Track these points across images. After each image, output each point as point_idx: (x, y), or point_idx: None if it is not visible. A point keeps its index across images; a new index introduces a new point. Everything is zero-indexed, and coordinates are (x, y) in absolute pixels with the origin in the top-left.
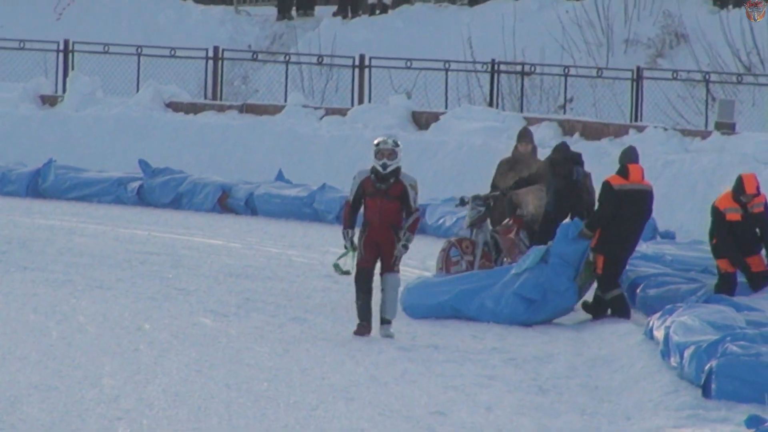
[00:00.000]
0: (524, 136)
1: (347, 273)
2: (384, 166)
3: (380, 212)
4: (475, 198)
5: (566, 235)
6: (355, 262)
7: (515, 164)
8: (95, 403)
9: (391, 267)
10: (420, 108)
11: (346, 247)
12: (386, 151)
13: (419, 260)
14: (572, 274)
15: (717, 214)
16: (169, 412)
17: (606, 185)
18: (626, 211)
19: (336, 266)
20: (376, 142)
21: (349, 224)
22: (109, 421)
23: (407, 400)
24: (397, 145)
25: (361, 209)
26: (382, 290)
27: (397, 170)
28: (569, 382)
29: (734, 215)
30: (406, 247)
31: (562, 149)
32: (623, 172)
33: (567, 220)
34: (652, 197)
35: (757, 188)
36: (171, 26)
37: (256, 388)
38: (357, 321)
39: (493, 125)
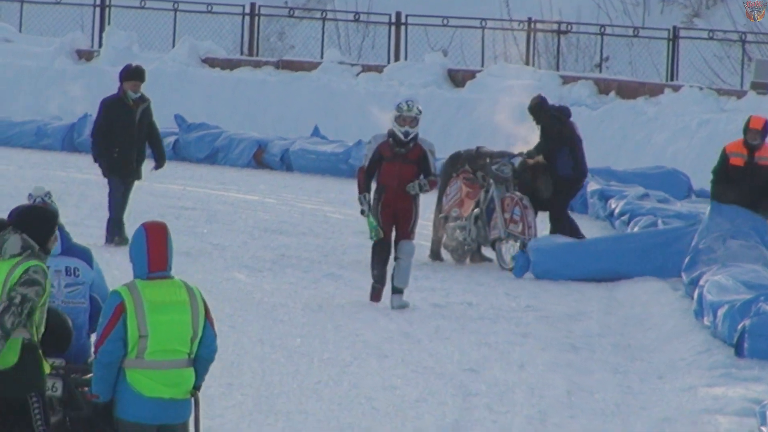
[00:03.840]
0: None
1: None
2: (406, 134)
3: (399, 177)
4: (504, 155)
5: None
6: (375, 226)
7: None
8: None
9: (407, 234)
10: (456, 66)
11: (362, 212)
12: (409, 119)
13: None
14: None
15: (722, 155)
16: None
17: None
18: None
19: (374, 230)
20: (399, 107)
21: (365, 188)
22: None
23: (440, 357)
24: (420, 112)
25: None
26: (397, 258)
27: (416, 135)
28: (602, 340)
29: (737, 160)
30: (422, 188)
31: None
32: None
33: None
34: None
35: (765, 127)
36: None
37: (289, 344)
38: (371, 286)
39: (529, 83)
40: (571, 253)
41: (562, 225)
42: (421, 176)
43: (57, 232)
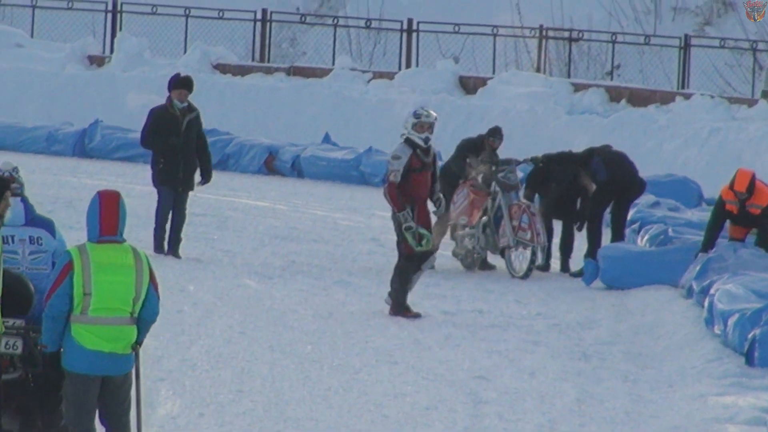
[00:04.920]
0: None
1: (428, 243)
2: (426, 140)
3: (425, 187)
4: (510, 162)
5: None
6: (416, 241)
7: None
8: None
9: None
10: (467, 73)
11: (409, 228)
12: (428, 125)
13: None
14: None
15: (719, 200)
16: (212, 374)
17: None
18: None
19: (419, 240)
20: (417, 113)
21: (403, 204)
22: (152, 382)
23: (450, 364)
24: (436, 118)
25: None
26: (422, 271)
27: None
28: (612, 348)
29: (732, 207)
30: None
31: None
32: None
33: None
34: None
35: (748, 188)
36: None
37: (299, 350)
38: (399, 305)
39: (540, 91)
40: (642, 261)
41: (592, 227)
42: (436, 197)
43: (11, 201)
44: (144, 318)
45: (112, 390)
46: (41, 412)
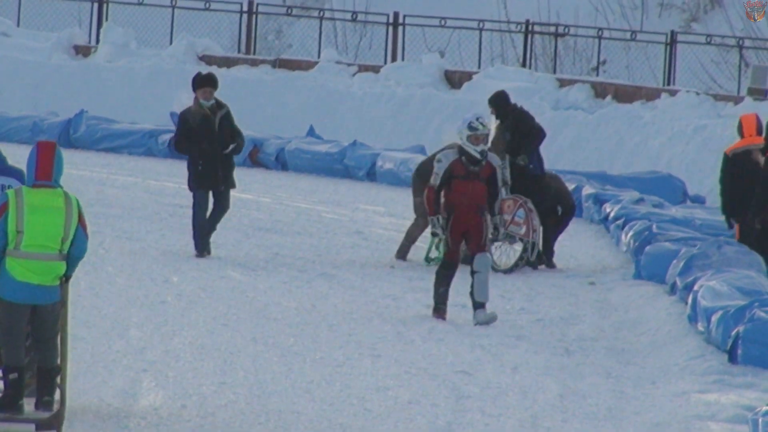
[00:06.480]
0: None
1: (435, 260)
2: (482, 153)
3: (471, 196)
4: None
5: None
6: (442, 249)
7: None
8: (121, 354)
9: (482, 247)
10: (453, 67)
11: (435, 234)
12: (483, 136)
13: None
14: None
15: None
16: (195, 365)
17: None
18: None
19: (428, 259)
20: (472, 126)
21: (437, 209)
22: (135, 373)
23: (433, 358)
24: (490, 128)
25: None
26: (477, 272)
27: (487, 151)
28: (595, 344)
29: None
30: (498, 230)
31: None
32: None
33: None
34: None
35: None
36: None
37: (282, 342)
38: (434, 304)
39: (525, 86)
40: (665, 258)
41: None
42: (495, 216)
43: None
44: (72, 255)
45: (42, 317)
46: None
